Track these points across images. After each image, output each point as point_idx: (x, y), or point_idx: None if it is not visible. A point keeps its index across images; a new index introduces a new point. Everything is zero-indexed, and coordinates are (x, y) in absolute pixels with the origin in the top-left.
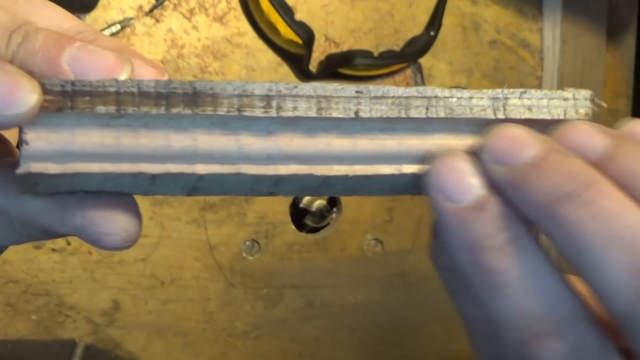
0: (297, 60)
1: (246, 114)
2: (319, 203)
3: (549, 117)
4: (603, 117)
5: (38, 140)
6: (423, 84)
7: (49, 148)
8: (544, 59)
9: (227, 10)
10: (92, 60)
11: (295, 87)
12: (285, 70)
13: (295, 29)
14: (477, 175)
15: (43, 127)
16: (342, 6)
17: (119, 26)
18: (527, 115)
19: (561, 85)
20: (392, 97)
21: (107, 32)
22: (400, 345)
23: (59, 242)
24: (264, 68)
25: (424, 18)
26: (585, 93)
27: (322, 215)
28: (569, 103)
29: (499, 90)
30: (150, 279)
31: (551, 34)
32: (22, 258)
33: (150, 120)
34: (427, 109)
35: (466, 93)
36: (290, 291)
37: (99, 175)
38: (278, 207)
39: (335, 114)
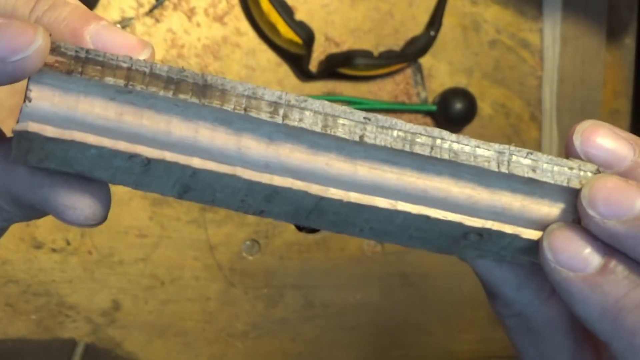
0: (297, 60)
1: (252, 114)
2: None
3: (551, 182)
4: (603, 117)
5: (41, 99)
6: (423, 83)
7: (51, 109)
8: (544, 59)
9: (227, 10)
10: (115, 38)
11: (305, 100)
12: (285, 70)
13: (295, 29)
14: (592, 240)
15: (49, 87)
16: (342, 6)
17: (119, 26)
18: (530, 175)
19: (561, 85)
20: (399, 129)
21: None
22: (400, 345)
23: (59, 242)
24: (264, 68)
25: (424, 18)
26: (591, 167)
27: None
28: (574, 173)
29: (506, 145)
30: (150, 279)
31: (551, 34)
32: (22, 258)
33: (156, 102)
34: (431, 148)
35: (473, 142)
36: (290, 291)
37: (94, 149)
38: None
39: (339, 134)
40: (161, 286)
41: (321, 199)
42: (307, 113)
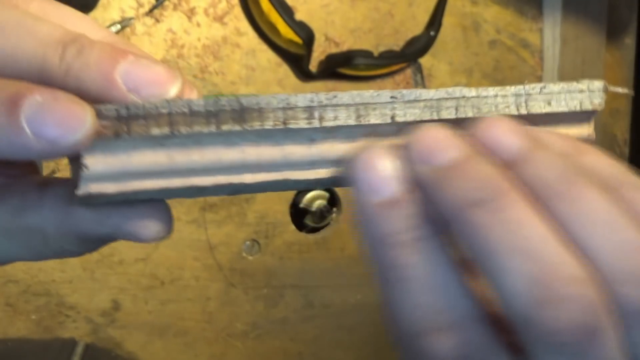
0: (297, 60)
1: (291, 126)
2: (319, 203)
3: (566, 110)
4: (603, 117)
5: (96, 164)
6: (423, 83)
7: (107, 170)
8: (544, 59)
9: (227, 10)
10: (144, 74)
11: (335, 96)
12: (285, 70)
13: (295, 29)
14: (396, 172)
15: (100, 151)
16: (342, 6)
17: (119, 26)
18: (547, 109)
19: None
20: (424, 99)
21: None
22: None
23: None
24: (264, 68)
25: (424, 18)
26: (598, 84)
27: (322, 215)
28: (584, 95)
29: (521, 86)
30: (150, 279)
31: (551, 34)
32: None
33: (201, 138)
34: (456, 109)
35: (491, 91)
36: (290, 291)
37: (152, 190)
38: (278, 207)
39: (373, 120)
40: (161, 286)
41: None
42: (340, 109)
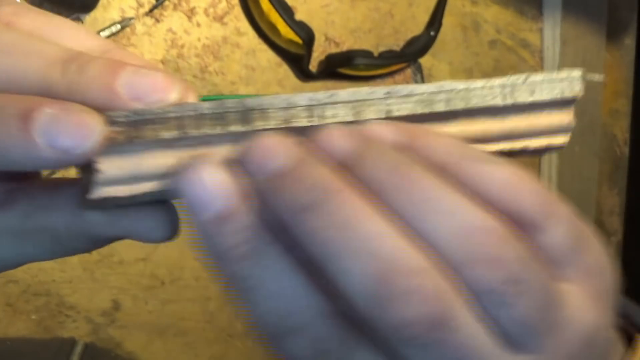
0: (297, 60)
1: (294, 125)
2: None
3: (549, 98)
4: (603, 117)
5: (109, 168)
6: (423, 83)
7: (119, 173)
8: (544, 59)
9: (227, 10)
10: (145, 83)
11: (333, 94)
12: (285, 70)
13: (295, 29)
14: (224, 185)
15: (113, 156)
16: (342, 6)
17: (119, 26)
18: (531, 98)
19: None
20: (418, 94)
21: (107, 32)
22: None
23: None
24: (264, 68)
25: (424, 18)
26: (577, 72)
27: None
28: (565, 83)
29: (506, 78)
30: (150, 279)
31: (551, 34)
32: None
33: (209, 139)
34: (447, 102)
35: (479, 83)
36: None
37: (163, 191)
38: None
39: (369, 116)
40: (161, 286)
41: None
42: (338, 106)
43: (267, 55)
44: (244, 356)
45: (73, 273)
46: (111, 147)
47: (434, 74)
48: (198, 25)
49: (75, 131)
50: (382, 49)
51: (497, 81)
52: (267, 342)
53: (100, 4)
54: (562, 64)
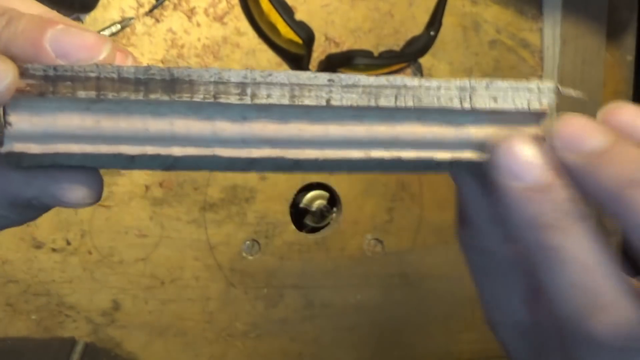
0: (297, 60)
1: (221, 100)
2: (319, 203)
3: (512, 108)
4: None
5: (21, 122)
6: None
7: (32, 129)
8: (544, 59)
9: (227, 10)
10: (73, 40)
11: (270, 74)
12: (285, 70)
13: (295, 29)
14: (543, 158)
15: (25, 109)
16: (342, 6)
17: (119, 26)
18: (492, 105)
19: (561, 85)
20: (363, 85)
21: (107, 32)
22: (400, 345)
23: (59, 242)
24: (264, 68)
25: (424, 18)
26: (549, 85)
27: (322, 215)
28: (533, 94)
29: (466, 80)
30: (150, 279)
31: (551, 34)
32: (22, 258)
33: (129, 105)
34: (396, 98)
35: (434, 82)
36: (290, 291)
37: (79, 155)
38: (278, 207)
39: (307, 102)
40: (161, 286)
41: (298, 160)
42: (274, 87)
43: (267, 55)
44: (244, 356)
45: (73, 273)
46: (24, 100)
47: (434, 74)
48: (198, 25)
49: None
50: (382, 49)
51: (455, 82)
52: (565, 321)
53: (100, 4)
54: (562, 64)
